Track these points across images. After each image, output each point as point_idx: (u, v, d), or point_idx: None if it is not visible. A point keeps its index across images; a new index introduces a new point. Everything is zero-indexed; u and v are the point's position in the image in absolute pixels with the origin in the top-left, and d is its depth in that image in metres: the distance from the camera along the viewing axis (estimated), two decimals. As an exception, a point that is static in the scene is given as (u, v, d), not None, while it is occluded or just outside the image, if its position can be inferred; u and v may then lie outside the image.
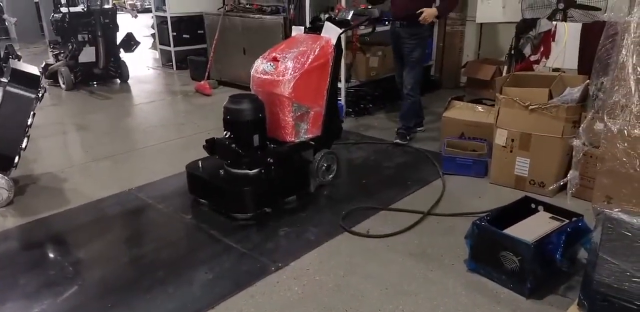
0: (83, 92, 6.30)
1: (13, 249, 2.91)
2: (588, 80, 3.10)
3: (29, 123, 3.37)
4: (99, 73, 6.48)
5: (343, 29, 3.43)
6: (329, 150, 3.51)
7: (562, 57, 3.77)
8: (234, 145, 3.07)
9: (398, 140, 4.31)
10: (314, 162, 3.38)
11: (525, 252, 2.28)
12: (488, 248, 2.44)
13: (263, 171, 3.14)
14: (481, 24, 5.47)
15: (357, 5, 4.49)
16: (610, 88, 2.48)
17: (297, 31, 3.59)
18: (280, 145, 3.30)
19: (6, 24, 10.22)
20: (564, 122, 3.15)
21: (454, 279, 2.49)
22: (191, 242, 2.96)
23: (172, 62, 7.50)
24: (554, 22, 3.84)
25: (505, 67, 4.46)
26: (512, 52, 4.28)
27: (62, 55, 6.48)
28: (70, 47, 6.26)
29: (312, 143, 3.38)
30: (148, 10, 9.86)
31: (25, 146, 3.42)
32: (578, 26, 3.72)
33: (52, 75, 6.40)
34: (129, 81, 6.80)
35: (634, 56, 2.35)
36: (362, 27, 4.33)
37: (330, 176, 3.55)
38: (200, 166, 3.29)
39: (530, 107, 3.21)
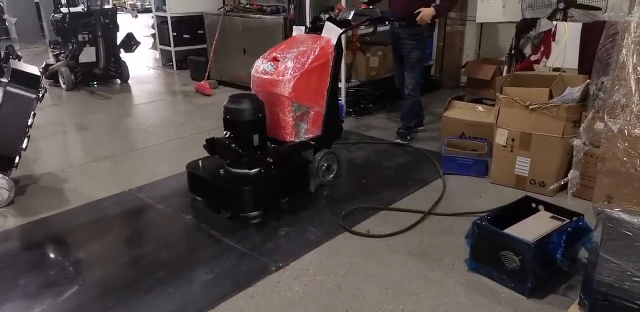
0: (83, 92, 6.30)
1: (13, 249, 2.91)
2: (588, 80, 3.10)
3: (29, 123, 3.37)
4: (99, 73, 6.48)
5: (343, 29, 3.43)
6: (329, 150, 3.51)
7: (562, 56, 3.77)
8: (233, 145, 3.07)
9: (398, 140, 4.31)
10: (314, 162, 3.38)
11: (525, 252, 2.28)
12: (488, 248, 2.44)
13: (263, 170, 3.14)
14: (481, 23, 5.47)
15: (358, 5, 4.49)
16: (610, 88, 2.48)
17: (297, 31, 3.59)
18: (280, 145, 3.30)
19: (6, 24, 10.23)
20: (565, 122, 3.15)
21: (454, 279, 2.49)
22: (191, 243, 2.95)
23: (172, 62, 7.50)
24: (554, 22, 3.84)
25: (506, 67, 4.46)
26: (513, 51, 4.28)
27: (62, 55, 6.48)
28: (71, 47, 6.27)
29: (312, 143, 3.38)
30: (148, 10, 9.88)
31: (26, 146, 3.42)
32: (578, 26, 3.72)
33: (52, 75, 6.41)
34: (129, 81, 6.80)
35: (634, 56, 2.34)
36: (363, 27, 4.32)
37: (331, 175, 3.55)
38: (201, 165, 3.29)
39: (531, 106, 3.21)
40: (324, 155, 3.43)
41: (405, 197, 3.37)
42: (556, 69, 3.82)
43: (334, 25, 3.35)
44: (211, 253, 2.75)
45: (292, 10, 5.57)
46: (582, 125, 2.81)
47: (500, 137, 3.41)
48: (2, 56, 3.60)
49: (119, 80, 6.79)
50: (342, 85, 4.89)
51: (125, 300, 2.38)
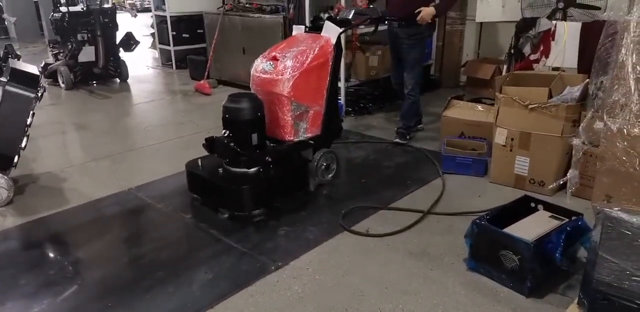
0: (82, 92, 6.30)
1: (12, 249, 2.91)
2: (588, 79, 3.09)
3: (28, 122, 3.37)
4: (99, 72, 6.48)
5: (343, 28, 3.42)
6: (328, 150, 3.51)
7: (561, 56, 3.78)
8: (232, 144, 3.07)
9: (398, 140, 4.31)
10: (314, 162, 3.38)
11: (525, 251, 2.28)
12: (488, 247, 2.44)
13: (262, 169, 3.14)
14: (481, 23, 5.46)
15: (358, 5, 4.48)
16: (609, 87, 2.48)
17: (297, 30, 3.59)
18: (279, 145, 3.30)
19: (6, 23, 10.22)
20: (564, 121, 3.15)
21: (453, 278, 2.49)
22: (191, 242, 2.95)
23: (171, 61, 7.51)
24: (554, 21, 3.84)
25: (505, 67, 4.45)
26: (512, 51, 4.28)
27: (61, 54, 6.48)
28: (70, 46, 6.27)
29: (312, 142, 3.38)
30: (147, 10, 9.88)
31: (25, 146, 3.42)
32: (578, 25, 3.72)
33: (51, 74, 6.41)
34: (128, 80, 6.80)
35: (634, 55, 2.34)
36: (363, 26, 4.31)
37: (330, 175, 3.55)
38: (200, 164, 3.29)
39: (530, 106, 3.21)
40: (323, 154, 3.42)
41: (405, 197, 3.37)
42: (555, 69, 3.82)
43: (333, 25, 3.34)
44: (211, 253, 2.75)
45: (291, 10, 5.56)
46: (582, 124, 2.81)
47: (500, 137, 3.41)
48: (1, 55, 3.60)
49: (118, 80, 6.79)
50: (341, 84, 4.89)
51: (124, 300, 2.38)
